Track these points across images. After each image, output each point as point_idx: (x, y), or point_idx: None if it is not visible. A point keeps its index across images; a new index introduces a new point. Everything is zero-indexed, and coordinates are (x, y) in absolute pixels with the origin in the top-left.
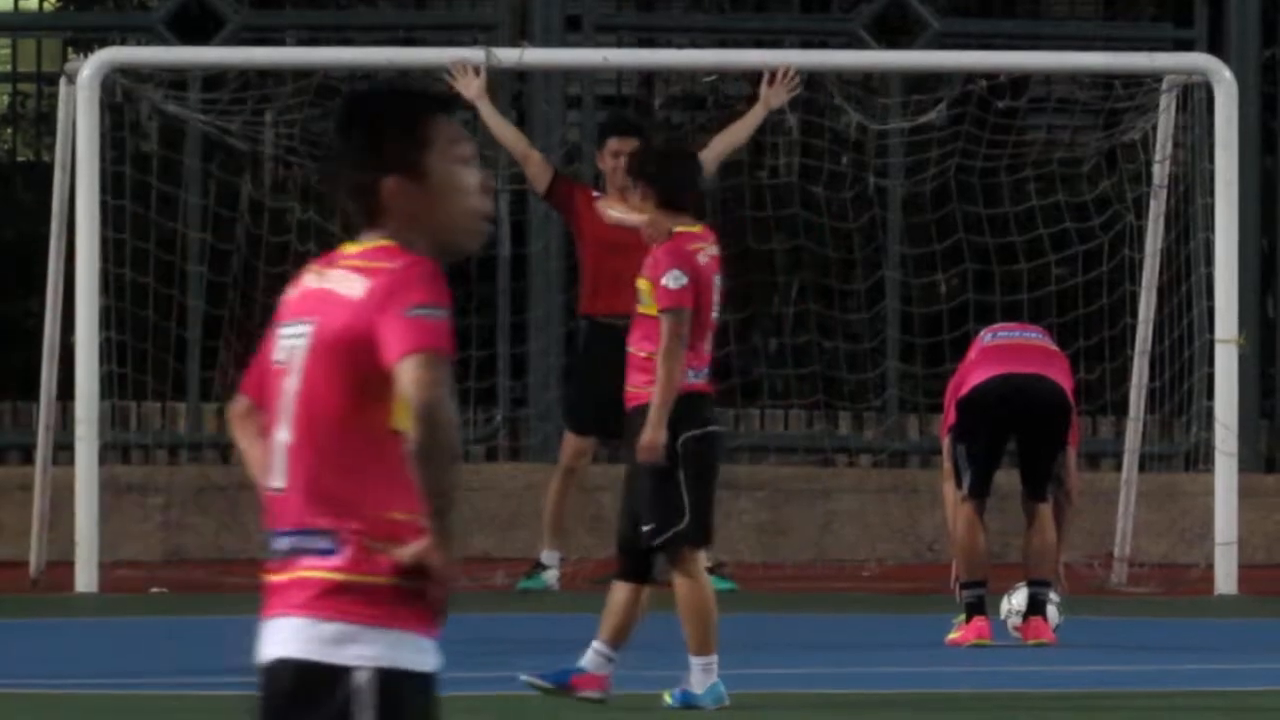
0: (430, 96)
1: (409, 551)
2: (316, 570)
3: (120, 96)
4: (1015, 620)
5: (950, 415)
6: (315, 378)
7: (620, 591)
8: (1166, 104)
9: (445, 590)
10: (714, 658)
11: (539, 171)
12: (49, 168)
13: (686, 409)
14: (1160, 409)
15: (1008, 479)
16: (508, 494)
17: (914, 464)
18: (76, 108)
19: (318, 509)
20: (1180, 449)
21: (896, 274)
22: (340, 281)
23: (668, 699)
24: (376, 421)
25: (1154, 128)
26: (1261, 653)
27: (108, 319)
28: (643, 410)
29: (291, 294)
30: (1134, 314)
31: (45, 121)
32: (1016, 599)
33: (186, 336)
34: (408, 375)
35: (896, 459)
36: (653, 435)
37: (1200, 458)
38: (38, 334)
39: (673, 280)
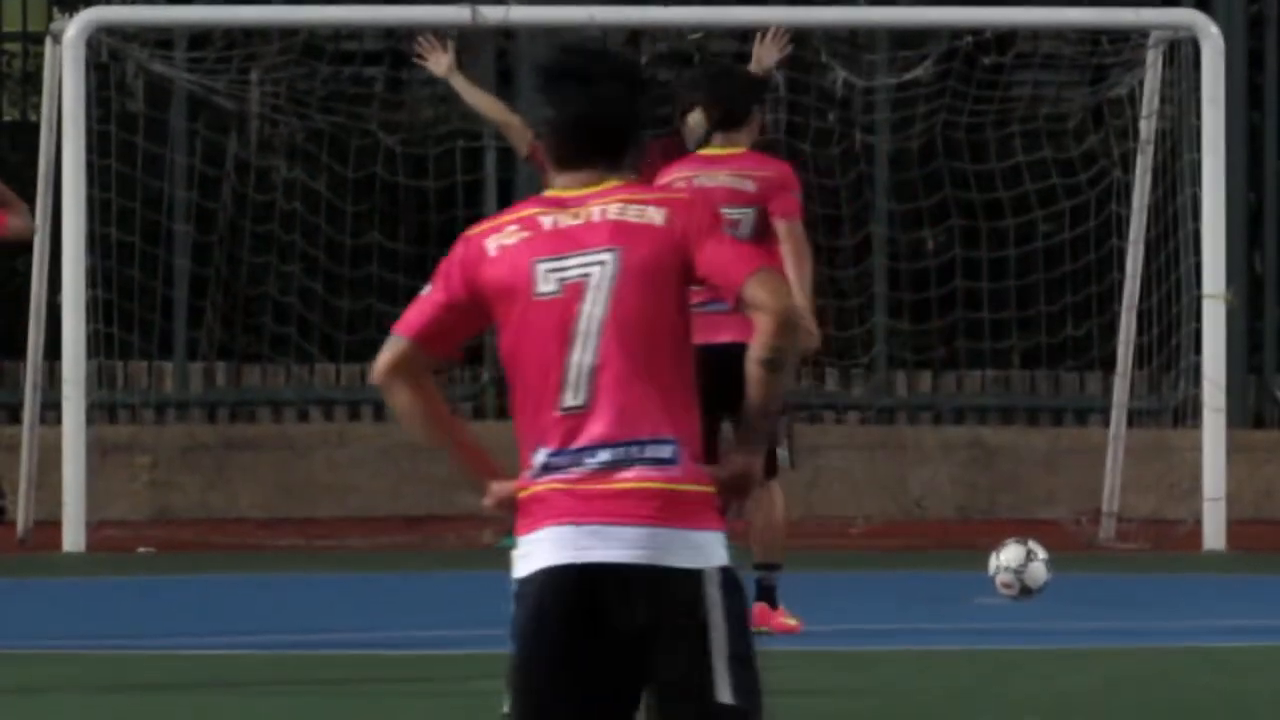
0: None
1: (740, 464)
2: (653, 481)
3: (106, 56)
4: (1004, 577)
5: None
6: (631, 299)
7: None
8: (1153, 59)
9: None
10: None
11: (520, 135)
12: (35, 128)
13: None
14: (1148, 364)
15: (996, 435)
16: (494, 452)
17: (902, 420)
18: (62, 67)
19: (648, 423)
20: (1168, 404)
21: (883, 230)
22: (633, 213)
23: None
24: (685, 335)
25: (1140, 83)
26: (1249, 608)
27: (94, 278)
28: None
29: (534, 231)
30: (1121, 269)
31: (31, 81)
32: (1005, 555)
33: (173, 295)
34: (764, 288)
35: (884, 415)
36: None
37: (1188, 413)
38: (24, 294)
39: None
